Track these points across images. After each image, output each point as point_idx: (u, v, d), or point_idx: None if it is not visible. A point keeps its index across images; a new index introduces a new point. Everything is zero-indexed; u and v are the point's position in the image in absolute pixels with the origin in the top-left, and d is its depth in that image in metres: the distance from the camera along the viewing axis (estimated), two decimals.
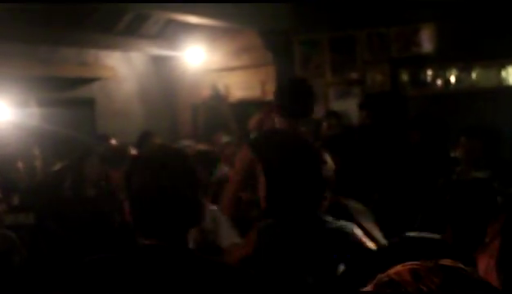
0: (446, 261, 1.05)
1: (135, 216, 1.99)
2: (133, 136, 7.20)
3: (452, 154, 4.74)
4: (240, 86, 9.65)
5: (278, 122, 3.85)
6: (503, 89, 7.28)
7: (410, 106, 7.70)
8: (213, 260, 2.04)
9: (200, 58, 9.67)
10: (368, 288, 1.05)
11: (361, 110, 7.46)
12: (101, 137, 6.90)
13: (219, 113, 8.93)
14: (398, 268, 1.05)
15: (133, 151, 6.36)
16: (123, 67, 9.18)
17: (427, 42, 7.64)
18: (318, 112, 7.97)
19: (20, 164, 5.24)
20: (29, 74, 7.29)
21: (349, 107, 8.01)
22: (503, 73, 7.30)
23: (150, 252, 1.94)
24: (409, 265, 1.05)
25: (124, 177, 1.99)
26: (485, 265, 1.75)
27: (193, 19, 7.34)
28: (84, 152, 5.17)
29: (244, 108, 9.74)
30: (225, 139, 7.19)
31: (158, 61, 9.75)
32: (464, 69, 7.49)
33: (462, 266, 1.04)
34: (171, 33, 9.30)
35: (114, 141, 6.53)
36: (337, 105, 8.11)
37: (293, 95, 3.83)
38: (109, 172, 4.69)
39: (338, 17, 8.09)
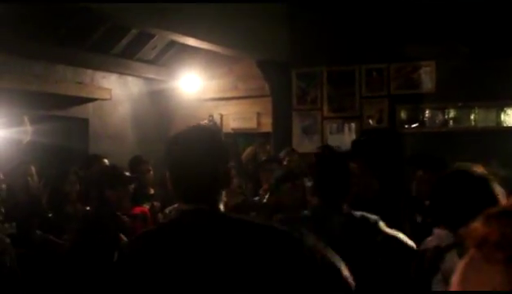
0: None
1: (175, 184, 2.25)
2: (125, 160, 7.07)
3: None
4: (236, 116, 9.59)
5: None
6: (502, 130, 7.25)
7: (407, 144, 7.63)
8: (243, 219, 2.38)
9: (196, 86, 9.61)
10: (479, 223, 0.94)
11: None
12: (92, 157, 6.77)
13: None
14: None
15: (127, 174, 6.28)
16: (119, 90, 9.10)
17: (426, 79, 7.62)
18: (314, 145, 7.93)
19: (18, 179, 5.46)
20: (24, 89, 7.18)
21: (345, 142, 7.93)
22: (502, 115, 7.27)
23: (191, 216, 2.20)
24: None
25: (165, 152, 2.26)
26: None
27: (192, 41, 7.28)
28: (62, 170, 5.53)
29: (239, 138, 9.69)
30: None
31: (154, 87, 9.68)
32: (463, 109, 7.46)
33: None
34: (168, 59, 9.26)
35: (106, 161, 6.40)
36: (333, 140, 8.03)
37: None
38: (106, 193, 4.56)
39: (337, 51, 8.07)
